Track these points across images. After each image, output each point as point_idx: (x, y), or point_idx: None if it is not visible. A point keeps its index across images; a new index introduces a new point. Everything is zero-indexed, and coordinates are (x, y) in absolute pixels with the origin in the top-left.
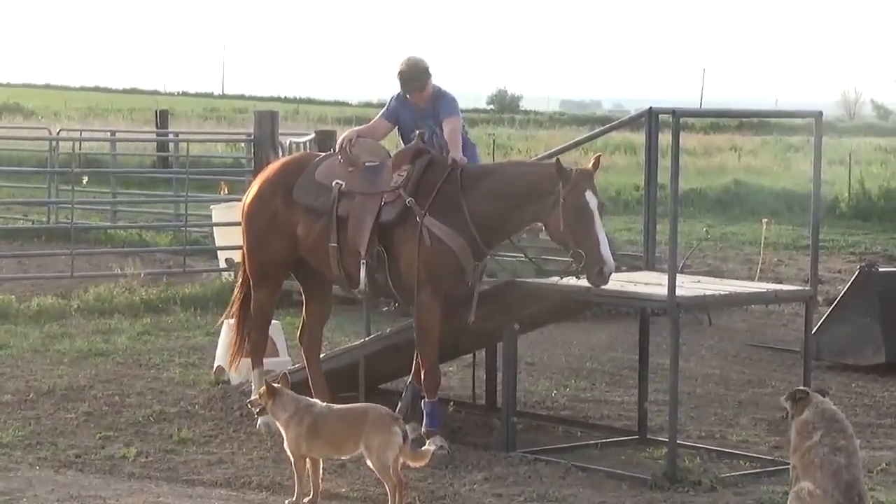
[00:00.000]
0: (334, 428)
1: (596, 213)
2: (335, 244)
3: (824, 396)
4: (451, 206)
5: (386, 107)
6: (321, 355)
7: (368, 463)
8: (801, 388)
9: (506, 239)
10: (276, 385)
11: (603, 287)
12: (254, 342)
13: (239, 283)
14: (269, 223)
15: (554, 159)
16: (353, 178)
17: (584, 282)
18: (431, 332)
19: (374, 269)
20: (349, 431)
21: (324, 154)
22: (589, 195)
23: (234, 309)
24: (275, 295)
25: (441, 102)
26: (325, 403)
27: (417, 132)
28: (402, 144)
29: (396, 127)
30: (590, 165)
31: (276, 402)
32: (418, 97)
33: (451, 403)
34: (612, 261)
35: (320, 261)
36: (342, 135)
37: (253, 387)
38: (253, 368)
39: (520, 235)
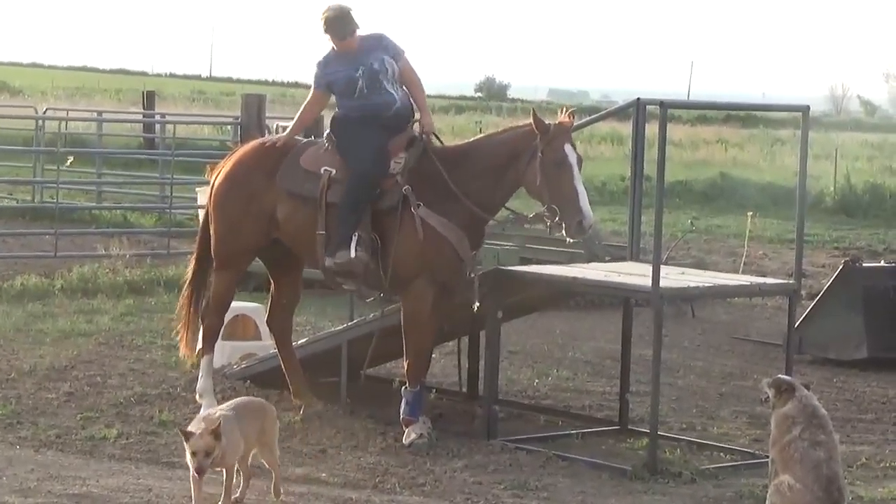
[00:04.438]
0: (251, 426)
1: (575, 166)
2: (323, 232)
3: (807, 390)
4: (443, 192)
5: (314, 79)
6: (303, 340)
7: (260, 454)
8: (787, 378)
9: (502, 205)
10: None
11: (588, 277)
12: (209, 326)
13: (192, 262)
14: (244, 205)
15: (531, 110)
16: (345, 166)
17: (567, 270)
18: (421, 321)
19: (366, 252)
20: (256, 425)
21: (305, 140)
22: (568, 148)
23: (187, 289)
24: (238, 279)
25: (377, 39)
26: (221, 407)
27: (414, 123)
28: (342, 101)
29: (332, 90)
30: (565, 120)
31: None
32: (349, 43)
33: (433, 391)
34: (592, 214)
35: (303, 247)
36: (274, 135)
37: (201, 375)
38: (203, 355)
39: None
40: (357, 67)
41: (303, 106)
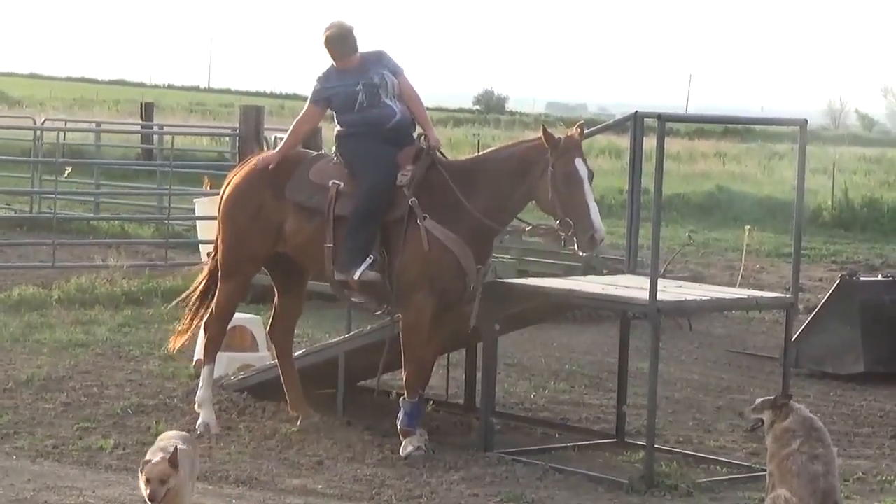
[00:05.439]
0: (194, 458)
1: (586, 180)
2: (331, 245)
3: (798, 403)
4: (451, 205)
5: (312, 93)
6: (300, 351)
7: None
8: (781, 395)
9: (512, 218)
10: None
11: (585, 290)
12: (212, 336)
13: (205, 272)
14: (252, 216)
15: (541, 126)
16: (352, 179)
17: (564, 283)
18: (420, 332)
19: (377, 269)
20: (195, 457)
21: (314, 153)
22: (579, 162)
23: (193, 297)
24: (243, 290)
25: (377, 55)
26: (171, 441)
27: (418, 135)
28: (342, 117)
29: (330, 106)
30: (574, 133)
31: (179, 469)
32: (349, 61)
33: (430, 402)
34: (603, 228)
35: (310, 260)
36: (262, 154)
37: (201, 385)
38: (204, 364)
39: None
40: (357, 82)
41: (296, 121)
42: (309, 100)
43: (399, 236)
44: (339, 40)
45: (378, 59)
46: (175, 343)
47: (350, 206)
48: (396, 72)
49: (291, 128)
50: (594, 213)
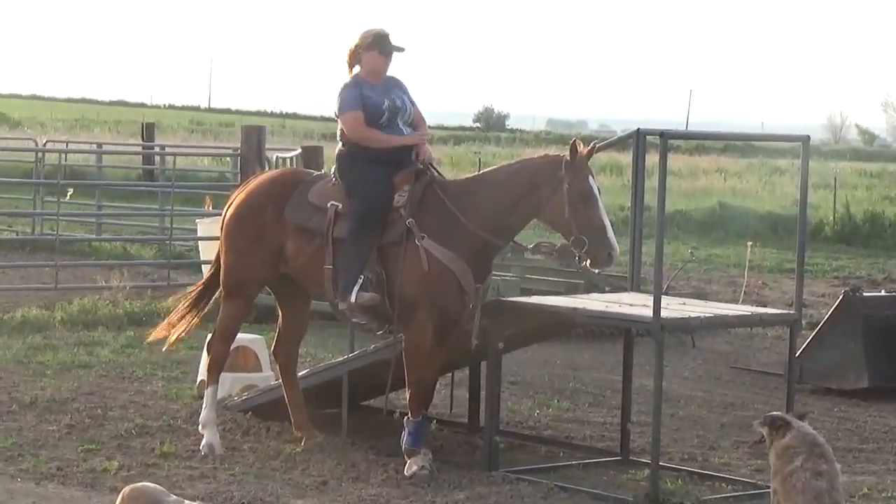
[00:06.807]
0: None
1: (599, 198)
2: (330, 266)
3: (803, 420)
4: (449, 224)
5: (347, 100)
6: (303, 371)
7: None
8: (779, 414)
9: (514, 236)
10: None
11: (588, 307)
12: (215, 357)
13: (204, 279)
14: (255, 237)
15: (573, 141)
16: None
17: (567, 301)
18: (422, 350)
19: (373, 290)
20: None
21: (315, 173)
22: (592, 180)
23: (188, 300)
24: (246, 310)
25: (399, 82)
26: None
27: (415, 154)
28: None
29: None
30: (584, 150)
31: None
32: (387, 63)
33: (434, 421)
34: (618, 246)
35: (311, 281)
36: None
37: (205, 406)
38: (207, 385)
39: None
40: (383, 100)
41: (356, 131)
42: (348, 107)
43: (398, 257)
44: (386, 38)
45: (400, 86)
46: (156, 335)
47: (346, 228)
48: (412, 101)
49: (361, 136)
50: (610, 231)
